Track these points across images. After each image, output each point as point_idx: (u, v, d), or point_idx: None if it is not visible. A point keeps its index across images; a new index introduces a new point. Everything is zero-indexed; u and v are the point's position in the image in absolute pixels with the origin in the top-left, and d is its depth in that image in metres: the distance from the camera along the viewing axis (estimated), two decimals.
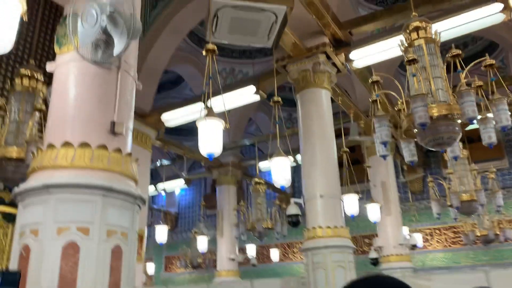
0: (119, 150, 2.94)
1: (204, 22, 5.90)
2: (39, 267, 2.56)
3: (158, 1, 8.46)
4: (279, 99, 6.03)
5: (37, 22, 7.34)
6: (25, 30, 7.38)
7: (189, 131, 12.01)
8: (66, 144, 2.81)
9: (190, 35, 9.79)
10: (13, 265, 2.68)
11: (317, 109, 6.55)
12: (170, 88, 12.74)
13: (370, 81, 4.46)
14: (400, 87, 4.41)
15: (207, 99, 4.94)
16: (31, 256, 2.61)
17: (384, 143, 4.00)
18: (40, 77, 4.82)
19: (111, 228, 2.77)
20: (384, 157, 4.29)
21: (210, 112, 4.52)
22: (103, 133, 2.92)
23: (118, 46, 2.79)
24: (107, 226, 2.74)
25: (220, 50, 10.71)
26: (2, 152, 4.42)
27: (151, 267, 14.77)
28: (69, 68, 3.07)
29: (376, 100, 4.36)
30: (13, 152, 4.42)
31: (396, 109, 4.49)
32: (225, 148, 10.87)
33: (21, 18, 2.89)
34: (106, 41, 2.90)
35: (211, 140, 4.36)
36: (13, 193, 2.83)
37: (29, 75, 4.81)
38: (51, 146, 2.85)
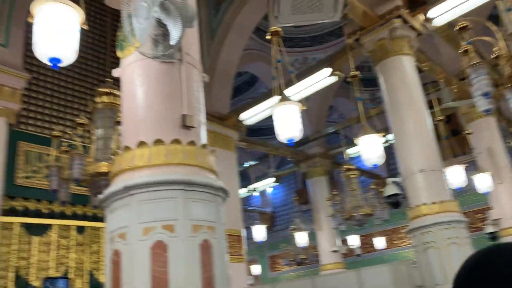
0: (193, 143, 2.83)
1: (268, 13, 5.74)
2: (131, 270, 2.52)
3: (220, 5, 8.48)
4: (357, 73, 5.63)
5: (108, 39, 7.70)
6: (97, 47, 7.80)
7: (271, 129, 11.93)
8: (141, 144, 2.76)
9: (256, 31, 9.68)
10: (106, 271, 2.67)
11: (401, 77, 6.03)
12: (246, 90, 12.78)
13: (457, 28, 3.93)
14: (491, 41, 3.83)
15: (279, 86, 4.73)
16: (122, 260, 2.57)
17: (485, 94, 3.46)
18: (118, 92, 4.96)
19: (197, 223, 2.65)
20: (487, 111, 3.73)
21: (283, 97, 4.30)
22: (174, 128, 2.83)
23: (174, 34, 2.68)
24: (192, 221, 2.63)
25: (289, 40, 10.57)
26: (94, 168, 4.59)
27: (256, 268, 14.90)
28: (133, 69, 3.03)
29: (467, 50, 3.82)
30: (103, 167, 4.57)
31: (493, 57, 3.91)
32: (309, 140, 10.70)
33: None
34: (163, 34, 2.82)
35: (288, 125, 4.14)
36: (98, 201, 2.85)
37: (108, 92, 4.96)
38: (127, 148, 2.82)
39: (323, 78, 7.29)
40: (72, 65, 7.29)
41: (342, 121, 11.65)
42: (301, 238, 10.67)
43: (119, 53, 3.20)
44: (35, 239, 6.17)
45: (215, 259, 2.68)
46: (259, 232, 10.72)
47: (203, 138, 3.01)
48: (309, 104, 11.03)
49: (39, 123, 6.74)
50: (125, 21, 2.93)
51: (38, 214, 6.32)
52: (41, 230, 6.27)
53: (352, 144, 9.45)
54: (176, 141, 2.76)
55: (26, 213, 6.20)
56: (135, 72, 3.02)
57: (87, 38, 7.71)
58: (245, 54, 9.67)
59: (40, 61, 6.65)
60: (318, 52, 10.70)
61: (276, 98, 4.69)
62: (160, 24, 2.75)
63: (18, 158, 6.32)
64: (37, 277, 6.02)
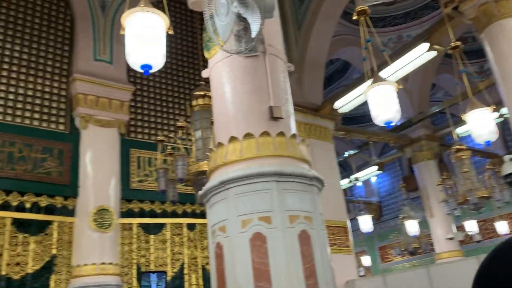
0: (282, 134, 2.81)
1: None
2: (233, 262, 2.57)
3: None
4: (458, 43, 5.15)
5: (199, 43, 8.02)
6: (190, 53, 8.16)
7: (370, 115, 11.48)
8: (232, 139, 2.81)
9: (345, 15, 9.37)
10: (211, 265, 2.77)
11: (511, 42, 5.38)
12: (339, 77, 12.47)
13: None
14: None
15: (372, 67, 4.51)
16: (224, 252, 2.65)
17: None
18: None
19: (293, 214, 2.63)
20: None
21: (376, 78, 4.09)
22: (263, 120, 2.84)
23: (254, 26, 2.68)
24: (288, 212, 2.62)
25: (380, 20, 10.08)
26: (196, 168, 4.80)
27: (366, 260, 14.50)
28: (219, 68, 3.10)
29: None
30: (204, 165, 4.75)
31: None
32: (412, 122, 10.10)
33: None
34: (244, 28, 2.83)
35: (384, 107, 3.92)
36: (198, 197, 2.96)
37: (202, 94, 5.16)
38: (220, 144, 2.89)
39: (420, 54, 6.80)
40: (168, 73, 7.77)
41: (447, 99, 10.81)
42: (412, 227, 10.12)
43: (206, 54, 3.30)
44: (152, 237, 6.66)
45: (315, 249, 2.63)
46: (366, 223, 10.40)
47: (293, 128, 2.98)
48: (409, 84, 10.41)
49: (146, 130, 7.27)
50: (207, 21, 3.00)
51: (152, 214, 6.82)
52: (156, 229, 6.76)
53: (461, 123, 8.73)
54: (266, 134, 2.77)
55: (142, 214, 6.73)
56: (222, 70, 3.09)
57: (179, 45, 8.13)
58: (335, 41, 9.42)
59: (141, 73, 7.10)
60: (413, 28, 10.05)
61: (369, 81, 4.48)
62: (241, 19, 2.77)
63: (131, 165, 6.88)
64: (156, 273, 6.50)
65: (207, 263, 6.90)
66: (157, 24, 2.93)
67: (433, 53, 6.74)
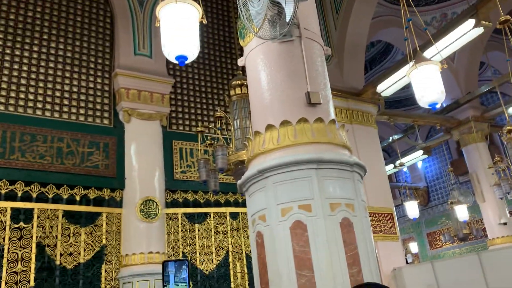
0: (320, 120, 2.74)
1: None
2: (274, 251, 2.55)
3: None
4: (508, 17, 4.83)
5: (235, 32, 8.00)
6: (227, 42, 8.15)
7: (414, 98, 11.08)
8: (269, 127, 2.77)
9: None
10: (252, 254, 2.76)
11: None
12: (382, 60, 12.11)
13: None
14: None
15: (414, 48, 4.32)
16: (264, 241, 2.63)
17: None
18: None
19: (334, 201, 2.57)
20: None
21: (419, 58, 3.91)
22: (300, 106, 2.78)
23: (288, 10, 2.61)
24: (328, 200, 2.56)
25: None
26: (235, 157, 4.81)
27: (414, 246, 14.16)
28: (255, 55, 3.06)
29: None
30: (243, 155, 4.75)
31: None
32: (460, 103, 9.68)
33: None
34: (278, 12, 2.77)
35: (429, 88, 3.75)
36: (238, 186, 2.96)
37: (240, 84, 5.14)
38: (257, 133, 2.86)
39: (466, 31, 6.46)
40: (206, 64, 7.80)
41: (497, 77, 10.25)
42: (462, 212, 9.74)
43: (241, 42, 3.26)
44: (196, 226, 6.78)
45: (358, 237, 2.56)
46: (412, 209, 10.09)
47: (331, 113, 2.90)
48: (456, 63, 9.96)
49: (187, 122, 7.37)
50: (241, 8, 2.96)
51: (196, 204, 6.94)
52: (200, 218, 6.87)
53: None
54: (303, 120, 2.71)
55: (186, 204, 6.85)
56: (257, 57, 3.05)
57: (216, 35, 8.14)
58: (375, 22, 9.14)
59: (180, 66, 7.17)
60: (458, 5, 9.55)
61: (412, 62, 4.30)
62: (274, 3, 2.71)
63: (174, 156, 7.01)
64: (201, 262, 6.62)
65: (251, 251, 6.95)
66: (191, 14, 2.92)
67: (480, 29, 6.39)
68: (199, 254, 6.65)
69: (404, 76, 7.23)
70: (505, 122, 7.46)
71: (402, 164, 10.78)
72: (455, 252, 12.88)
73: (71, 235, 5.89)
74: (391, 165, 11.84)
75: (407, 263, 11.76)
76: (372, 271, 2.50)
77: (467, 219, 10.04)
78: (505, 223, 8.99)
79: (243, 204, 6.99)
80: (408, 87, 8.58)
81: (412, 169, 14.36)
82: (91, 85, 6.76)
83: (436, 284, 6.21)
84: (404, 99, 12.34)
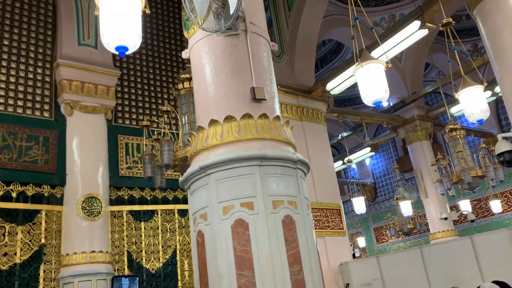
0: (265, 116, 2.69)
1: None
2: (214, 251, 2.48)
3: None
4: (450, 20, 5.01)
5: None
6: (174, 34, 7.98)
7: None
8: (212, 122, 2.70)
9: None
10: (193, 253, 2.68)
11: (505, 17, 5.24)
12: (333, 58, 12.30)
13: None
14: None
15: (360, 46, 4.37)
16: (205, 240, 2.55)
17: None
18: None
19: (276, 198, 2.53)
20: None
21: (365, 57, 3.96)
22: (245, 102, 2.72)
23: (231, 2, 2.54)
24: (271, 197, 2.52)
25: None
26: (183, 153, 4.68)
27: (361, 241, 14.55)
28: (199, 48, 2.97)
29: None
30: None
31: None
32: (406, 103, 9.98)
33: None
34: (222, 5, 2.69)
35: (373, 86, 3.80)
36: (180, 183, 2.86)
37: (188, 77, 5.01)
38: (200, 128, 2.78)
39: (412, 33, 6.64)
40: (155, 56, 7.58)
41: (441, 78, 10.69)
42: (406, 208, 10.09)
43: (185, 34, 3.16)
44: (143, 224, 6.58)
45: (300, 234, 2.54)
46: (360, 204, 10.35)
47: (277, 110, 2.86)
48: (403, 64, 10.27)
49: (134, 116, 7.12)
50: (185, 0, 2.86)
51: (143, 201, 6.73)
52: (147, 216, 6.67)
53: (455, 102, 8.62)
54: (248, 116, 2.65)
55: (132, 201, 6.63)
56: (201, 50, 2.95)
57: (165, 26, 7.93)
58: (326, 21, 9.23)
59: (127, 57, 6.90)
60: (406, 7, 9.86)
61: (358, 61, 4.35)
62: None
63: (119, 151, 6.76)
64: (147, 261, 6.43)
65: None
66: (132, 3, 2.77)
67: (425, 31, 6.59)
68: (145, 252, 6.46)
69: (352, 75, 7.36)
70: (448, 121, 7.77)
71: (350, 161, 11.01)
72: (400, 246, 13.36)
73: (6, 234, 5.54)
74: (340, 162, 12.08)
75: (354, 257, 12.06)
76: (313, 270, 2.49)
77: (411, 214, 10.41)
78: (445, 218, 9.40)
79: None
80: (356, 85, 8.76)
81: (360, 166, 14.74)
82: (31, 75, 6.38)
83: (380, 277, 6.38)
84: (353, 98, 12.61)
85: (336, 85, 7.73)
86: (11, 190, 5.72)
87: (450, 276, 5.56)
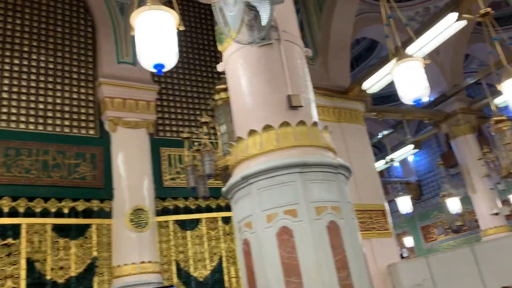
0: (303, 123, 2.71)
1: None
2: (261, 259, 2.52)
3: None
4: (488, 10, 4.85)
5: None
6: (210, 47, 8.12)
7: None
8: (251, 132, 2.74)
9: None
10: (240, 262, 2.72)
11: None
12: (368, 57, 12.14)
13: None
14: None
15: (396, 44, 4.31)
16: (251, 249, 2.59)
17: None
18: None
19: (319, 205, 2.54)
20: None
21: (401, 55, 3.90)
22: (282, 110, 2.75)
23: (264, 14, 2.58)
24: (314, 203, 2.53)
25: None
26: (223, 162, 4.76)
27: (409, 241, 14.20)
28: (234, 59, 3.03)
29: None
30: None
31: None
32: (447, 96, 9.71)
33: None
34: (254, 17, 2.73)
35: (411, 84, 3.74)
36: (222, 193, 2.92)
37: (224, 88, 5.09)
38: (240, 138, 2.83)
39: (449, 25, 6.47)
40: (191, 68, 7.75)
41: (482, 69, 10.31)
42: (454, 204, 9.78)
43: (219, 47, 3.23)
44: (188, 233, 6.72)
45: (346, 240, 2.53)
46: (405, 203, 10.14)
47: (314, 115, 2.87)
48: (441, 57, 9.98)
49: (174, 128, 7.31)
50: (217, 14, 2.92)
51: (187, 210, 6.87)
52: (192, 224, 6.81)
53: (498, 93, 8.29)
54: (285, 124, 2.68)
55: (177, 211, 6.79)
56: (237, 62, 3.01)
57: (200, 39, 8.09)
58: (359, 20, 9.13)
59: (164, 72, 7.12)
60: None
61: (395, 60, 4.29)
62: (250, 7, 2.67)
63: (162, 163, 6.94)
64: (195, 269, 6.56)
65: None
66: (167, 21, 2.87)
67: (463, 23, 6.40)
68: (193, 261, 6.59)
69: (389, 73, 7.24)
70: (492, 113, 7.48)
71: (392, 160, 10.80)
72: (449, 244, 12.94)
73: (61, 248, 5.80)
74: (382, 161, 11.86)
75: (402, 258, 11.78)
76: (361, 274, 2.48)
77: (460, 211, 10.08)
78: (496, 213, 9.03)
79: None
80: (393, 83, 8.59)
81: (403, 164, 14.40)
82: (75, 95, 6.68)
83: (431, 278, 6.22)
84: (392, 95, 12.32)
85: (373, 84, 7.62)
86: (63, 206, 5.99)
87: (505, 274, 5.34)
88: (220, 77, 6.79)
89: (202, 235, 6.83)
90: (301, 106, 2.76)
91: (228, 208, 7.13)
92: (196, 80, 7.82)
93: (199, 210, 6.96)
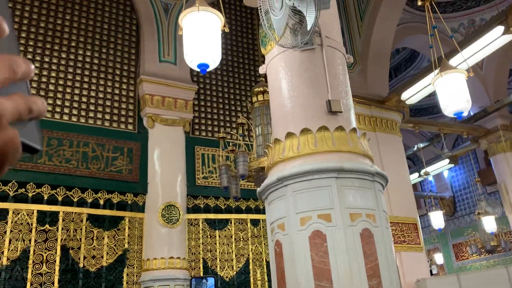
0: (341, 128, 2.71)
1: None
2: (292, 261, 2.53)
3: None
4: None
5: (257, 40, 8.01)
6: (250, 50, 8.19)
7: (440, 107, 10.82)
8: (289, 135, 2.76)
9: (410, 2, 8.94)
10: (271, 263, 2.75)
11: None
12: (407, 67, 11.95)
13: None
14: None
15: (438, 56, 4.24)
16: (283, 250, 2.61)
17: None
18: None
19: (354, 211, 2.53)
20: None
21: (444, 66, 3.83)
22: (321, 114, 2.76)
23: (309, 19, 2.60)
24: (348, 209, 2.53)
25: (450, 5, 9.50)
26: (257, 164, 4.80)
27: (439, 258, 13.83)
28: (276, 63, 3.06)
29: None
30: (265, 161, 4.74)
31: None
32: (488, 112, 9.43)
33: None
34: (299, 21, 2.77)
35: (454, 96, 3.67)
36: (257, 194, 2.95)
37: (262, 90, 5.15)
38: (277, 140, 2.86)
39: (495, 39, 6.30)
40: (230, 70, 7.86)
41: None
42: (489, 223, 9.46)
43: (262, 50, 3.27)
44: (217, 232, 6.79)
45: (379, 248, 2.52)
46: (438, 219, 9.87)
47: (353, 122, 2.87)
48: (484, 71, 9.72)
49: (210, 128, 7.42)
50: (262, 17, 2.97)
51: (217, 210, 6.95)
52: (221, 224, 6.88)
53: None
54: (324, 128, 2.69)
55: (207, 209, 6.88)
56: (278, 65, 3.05)
57: (239, 42, 8.19)
58: (400, 29, 9.02)
59: (202, 73, 7.23)
60: (487, 11, 9.34)
61: (437, 71, 4.22)
62: (295, 12, 2.71)
63: (196, 162, 7.06)
64: (222, 268, 6.62)
65: None
66: (213, 23, 2.94)
67: (510, 37, 6.21)
68: (220, 260, 6.66)
69: (429, 84, 7.11)
70: None
71: (427, 173, 10.54)
72: (482, 264, 12.51)
73: (95, 238, 5.98)
74: (416, 174, 11.62)
75: (431, 274, 11.48)
76: (392, 284, 2.45)
77: (495, 231, 9.75)
78: None
79: (264, 211, 6.97)
80: (433, 94, 8.43)
81: (437, 178, 14.05)
82: (117, 91, 6.89)
83: None
84: (430, 107, 12.13)
85: (412, 95, 7.49)
86: (99, 197, 6.18)
87: None
88: (258, 79, 6.87)
89: (230, 235, 6.89)
90: (340, 112, 2.76)
91: (257, 210, 7.17)
92: (234, 82, 7.92)
93: (228, 210, 7.03)
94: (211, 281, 4.70)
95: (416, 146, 10.84)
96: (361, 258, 2.44)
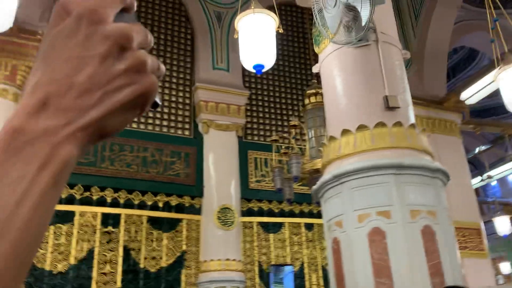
0: (399, 124, 2.67)
1: None
2: (351, 258, 2.51)
3: None
4: None
5: (309, 42, 8.02)
6: (301, 53, 8.20)
7: (504, 106, 10.24)
8: (345, 132, 2.76)
9: None
10: (328, 260, 2.74)
11: None
12: (466, 67, 11.47)
13: None
14: None
15: (501, 52, 4.06)
16: (341, 247, 2.60)
17: None
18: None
19: (414, 208, 2.48)
20: None
21: (508, 60, 3.67)
22: (377, 110, 2.73)
23: (364, 14, 2.60)
24: (408, 206, 2.48)
25: (510, 1, 9.01)
26: (310, 166, 4.80)
27: (505, 267, 13.05)
28: (330, 61, 3.07)
29: None
30: (318, 163, 4.73)
31: None
32: None
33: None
34: (354, 17, 2.77)
35: None
36: (312, 191, 2.96)
37: (314, 92, 5.15)
38: (332, 138, 2.86)
39: None
40: (281, 75, 7.91)
41: None
42: None
43: (316, 49, 3.29)
44: (271, 236, 6.82)
45: (441, 246, 2.44)
46: (504, 225, 9.33)
47: (411, 117, 2.81)
48: None
49: (262, 132, 7.50)
50: (316, 15, 3.00)
51: (271, 213, 6.99)
52: (275, 227, 6.91)
53: None
54: (381, 124, 2.66)
55: (261, 213, 6.94)
56: (332, 63, 3.05)
57: (290, 46, 8.24)
58: (458, 27, 8.68)
59: (255, 78, 7.35)
60: None
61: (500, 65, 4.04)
62: (350, 8, 2.71)
63: (249, 165, 7.15)
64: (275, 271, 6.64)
65: (327, 264, 6.84)
66: (268, 24, 3.00)
67: None
68: (275, 263, 6.67)
69: (491, 82, 6.78)
70: None
71: (490, 177, 10.02)
72: None
73: (154, 240, 6.20)
74: (478, 178, 11.06)
75: (498, 285, 10.84)
76: (456, 282, 2.37)
77: None
78: None
79: (319, 215, 6.91)
80: (496, 94, 8.03)
81: (502, 183, 13.31)
82: (174, 98, 7.14)
83: None
84: (492, 108, 11.54)
85: (472, 94, 7.19)
86: (158, 200, 6.41)
87: None
88: (309, 82, 6.88)
89: (284, 239, 6.89)
90: (398, 107, 2.72)
91: (311, 214, 7.13)
92: (285, 86, 7.96)
93: (282, 214, 7.05)
94: (288, 268, 4.80)
95: (477, 149, 10.35)
96: (422, 256, 2.38)
